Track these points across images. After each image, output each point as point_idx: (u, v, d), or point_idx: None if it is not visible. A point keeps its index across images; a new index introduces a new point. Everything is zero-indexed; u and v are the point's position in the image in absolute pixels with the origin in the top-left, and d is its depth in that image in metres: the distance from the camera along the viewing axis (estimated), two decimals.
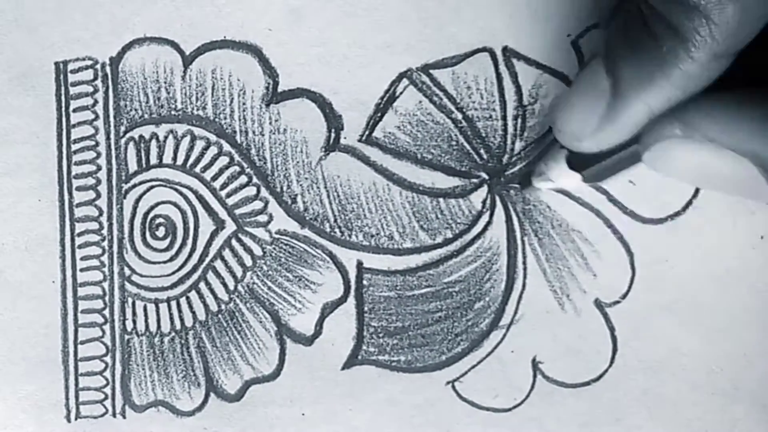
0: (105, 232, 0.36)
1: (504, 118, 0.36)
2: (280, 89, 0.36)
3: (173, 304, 0.36)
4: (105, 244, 0.36)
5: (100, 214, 0.36)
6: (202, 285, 0.36)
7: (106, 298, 0.36)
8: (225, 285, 0.36)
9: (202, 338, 0.36)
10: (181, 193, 0.36)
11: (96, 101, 0.36)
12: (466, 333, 0.36)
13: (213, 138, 0.36)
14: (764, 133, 0.27)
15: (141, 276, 0.36)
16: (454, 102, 0.36)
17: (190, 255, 0.36)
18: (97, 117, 0.36)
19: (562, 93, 0.31)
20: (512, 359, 0.36)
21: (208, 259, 0.36)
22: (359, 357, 0.36)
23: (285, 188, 0.36)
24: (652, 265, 0.35)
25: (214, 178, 0.36)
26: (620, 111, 0.29)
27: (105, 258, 0.36)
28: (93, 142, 0.36)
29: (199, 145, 0.36)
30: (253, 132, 0.36)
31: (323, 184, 0.36)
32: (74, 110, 0.36)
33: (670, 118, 0.28)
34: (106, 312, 0.36)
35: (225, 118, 0.36)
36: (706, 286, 0.35)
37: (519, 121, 0.35)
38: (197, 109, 0.36)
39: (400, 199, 0.36)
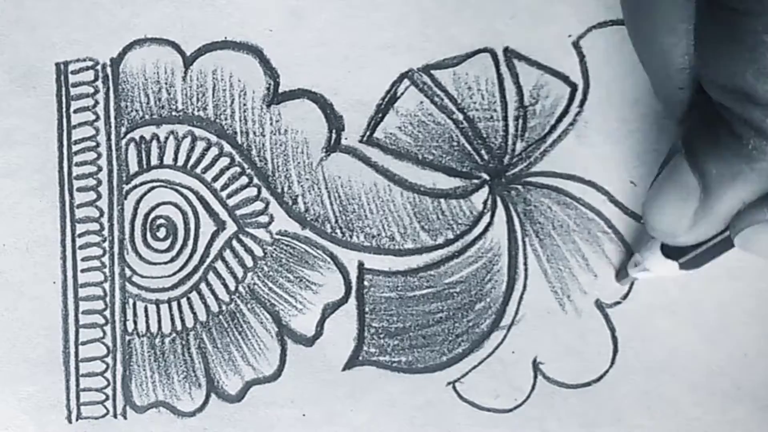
0: (106, 233, 0.36)
1: (505, 118, 0.36)
2: (280, 90, 0.36)
3: (174, 304, 0.36)
4: (106, 244, 0.36)
5: (101, 215, 0.36)
6: (202, 286, 0.36)
7: (107, 299, 0.36)
8: (226, 286, 0.36)
9: (203, 339, 0.36)
10: (181, 194, 0.36)
11: (97, 102, 0.36)
12: (467, 334, 0.36)
13: (214, 139, 0.36)
14: None
15: (142, 277, 0.36)
16: (455, 102, 0.36)
17: (190, 256, 0.36)
18: (97, 118, 0.36)
19: (649, 191, 0.32)
20: (513, 360, 0.36)
21: (209, 260, 0.36)
22: (360, 358, 0.36)
23: (286, 189, 0.36)
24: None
25: (215, 179, 0.36)
26: (713, 206, 0.29)
27: (106, 259, 0.36)
28: (94, 143, 0.36)
29: (200, 146, 0.36)
30: (254, 133, 0.36)
31: (324, 185, 0.36)
32: (75, 111, 0.36)
33: (760, 204, 0.29)
34: (107, 313, 0.36)
35: (226, 119, 0.36)
36: (706, 287, 0.35)
37: (520, 121, 0.35)
38: (198, 110, 0.36)
39: (401, 200, 0.36)
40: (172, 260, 0.36)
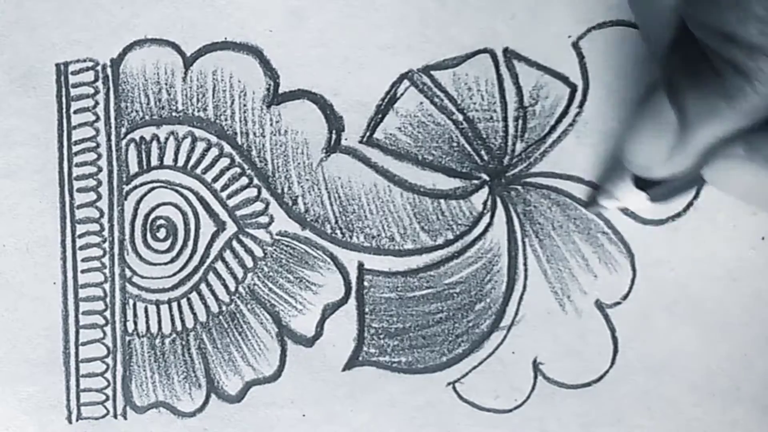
0: (106, 233, 0.36)
1: (505, 119, 0.36)
2: (280, 91, 0.36)
3: (174, 305, 0.36)
4: (106, 245, 0.36)
5: (101, 216, 0.36)
6: (203, 286, 0.36)
7: (107, 300, 0.36)
8: (226, 286, 0.36)
9: (203, 339, 0.36)
10: (182, 195, 0.36)
11: (97, 103, 0.36)
12: (466, 334, 0.36)
13: (214, 139, 0.36)
14: None
15: (142, 277, 0.36)
16: (455, 103, 0.36)
17: (191, 256, 0.36)
18: (98, 118, 0.36)
19: (628, 124, 0.32)
20: (513, 360, 0.36)
21: (209, 261, 0.36)
22: (360, 358, 0.36)
23: (286, 190, 0.36)
24: (653, 266, 0.35)
25: (215, 179, 0.36)
26: (689, 140, 0.30)
27: (106, 259, 0.36)
28: (94, 144, 0.36)
29: (200, 146, 0.36)
30: (254, 133, 0.36)
31: (324, 186, 0.36)
32: (75, 112, 0.36)
33: (732, 140, 0.29)
34: (107, 313, 0.36)
35: (226, 120, 0.36)
36: (706, 287, 0.35)
37: (520, 122, 0.35)
38: (198, 111, 0.36)
39: (401, 201, 0.36)
40: (172, 261, 0.36)
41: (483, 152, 0.36)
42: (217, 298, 0.36)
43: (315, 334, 0.36)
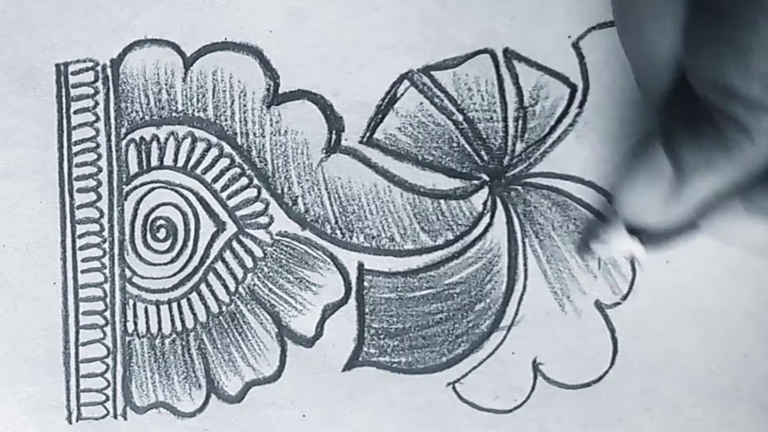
0: (106, 233, 0.36)
1: (505, 119, 0.36)
2: (280, 91, 0.36)
3: (174, 305, 0.36)
4: (106, 245, 0.36)
5: (101, 216, 0.36)
6: (203, 287, 0.36)
7: (107, 300, 0.36)
8: (226, 287, 0.36)
9: (203, 340, 0.36)
10: (182, 195, 0.36)
11: (97, 103, 0.36)
12: (466, 334, 0.36)
13: (214, 140, 0.36)
14: None
15: (142, 278, 0.36)
16: (455, 103, 0.36)
17: (191, 257, 0.36)
18: (98, 119, 0.36)
19: (624, 173, 0.32)
20: (513, 360, 0.36)
21: (209, 261, 0.36)
22: (360, 358, 0.36)
23: (286, 190, 0.36)
24: (653, 266, 0.35)
25: (215, 179, 0.36)
26: (684, 192, 0.30)
27: (106, 260, 0.36)
28: (94, 144, 0.36)
29: (200, 146, 0.36)
30: (254, 134, 0.36)
31: (324, 186, 0.36)
32: (75, 112, 0.36)
33: (730, 193, 0.29)
34: (107, 314, 0.36)
35: (226, 120, 0.36)
36: (706, 287, 0.35)
37: (520, 122, 0.35)
38: (198, 111, 0.36)
39: (401, 201, 0.36)
40: (172, 261, 0.36)
41: (483, 152, 0.36)
42: (217, 299, 0.36)
43: (315, 335, 0.36)
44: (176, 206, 0.36)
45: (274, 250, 0.36)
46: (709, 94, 0.28)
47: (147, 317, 0.36)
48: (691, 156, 0.29)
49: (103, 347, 0.36)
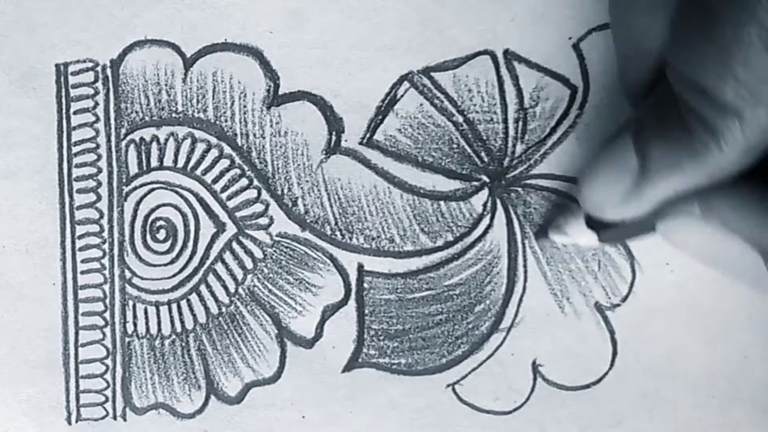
0: (105, 234, 0.36)
1: (505, 120, 0.36)
2: (281, 92, 0.36)
3: (174, 306, 0.36)
4: (105, 246, 0.36)
5: (101, 217, 0.36)
6: (202, 288, 0.36)
7: (107, 301, 0.36)
8: (226, 288, 0.36)
9: (203, 341, 0.36)
10: (181, 196, 0.36)
11: (97, 103, 0.36)
12: (466, 336, 0.36)
13: (214, 141, 0.36)
14: None
15: (142, 278, 0.36)
16: (455, 105, 0.36)
17: (190, 258, 0.36)
18: (97, 119, 0.36)
19: (588, 162, 0.32)
20: (512, 362, 0.36)
21: (208, 262, 0.36)
22: (360, 360, 0.36)
23: (286, 191, 0.36)
24: (653, 268, 0.35)
25: (215, 180, 0.36)
26: (646, 190, 0.30)
27: (106, 260, 0.36)
28: (94, 145, 0.36)
29: (200, 147, 0.36)
30: (254, 135, 0.36)
31: (324, 187, 0.36)
32: (75, 112, 0.36)
33: (689, 196, 0.29)
34: (107, 314, 0.36)
35: (226, 121, 0.36)
36: (706, 289, 0.35)
37: (520, 123, 0.35)
38: (198, 112, 0.36)
39: (401, 202, 0.36)
40: (171, 262, 0.36)
41: (483, 154, 0.36)
42: (216, 300, 0.36)
43: (315, 336, 0.36)
44: (176, 207, 0.36)
45: (274, 251, 0.36)
46: (685, 92, 0.28)
47: (147, 318, 0.36)
48: (658, 154, 0.29)
49: (102, 348, 0.36)
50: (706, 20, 0.27)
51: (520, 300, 0.36)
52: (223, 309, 0.36)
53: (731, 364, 0.35)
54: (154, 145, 0.36)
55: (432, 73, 0.36)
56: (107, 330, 0.36)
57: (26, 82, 0.36)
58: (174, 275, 0.36)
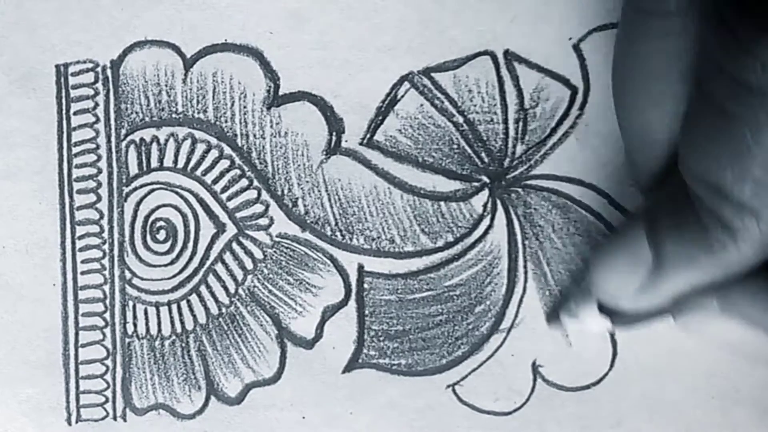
0: (106, 235, 0.36)
1: (505, 121, 0.35)
2: (281, 92, 0.36)
3: (174, 307, 0.36)
4: (106, 247, 0.36)
5: (101, 217, 0.36)
6: (202, 288, 0.36)
7: (107, 301, 0.36)
8: (226, 288, 0.36)
9: (203, 341, 0.36)
10: (181, 197, 0.36)
11: (97, 104, 0.36)
12: (466, 336, 0.36)
13: (214, 141, 0.36)
14: None
15: (142, 279, 0.36)
16: (455, 105, 0.36)
17: (190, 258, 0.36)
18: (97, 120, 0.36)
19: (600, 249, 0.32)
20: (512, 363, 0.36)
21: (208, 263, 0.36)
22: (360, 360, 0.36)
23: (286, 191, 0.36)
24: None
25: (215, 181, 0.36)
26: (661, 283, 0.29)
27: (106, 261, 0.36)
28: (94, 145, 0.36)
29: (200, 148, 0.36)
30: (254, 135, 0.36)
31: (324, 188, 0.36)
32: (75, 113, 0.36)
33: (708, 291, 0.29)
34: (107, 315, 0.36)
35: (226, 122, 0.36)
36: None
37: (520, 124, 0.35)
38: (198, 112, 0.36)
39: (401, 203, 0.36)
40: (172, 263, 0.36)
41: (483, 154, 0.36)
42: (216, 300, 0.36)
43: (315, 336, 0.36)
44: (176, 208, 0.36)
45: (274, 251, 0.36)
46: (700, 190, 0.27)
47: (147, 319, 0.36)
48: (672, 248, 0.29)
49: (102, 349, 0.36)
50: (722, 121, 0.26)
51: (521, 301, 0.36)
52: (223, 309, 0.36)
53: (731, 364, 0.35)
54: (154, 145, 0.36)
55: (432, 74, 0.35)
56: (107, 331, 0.36)
57: (26, 83, 0.36)
58: (174, 276, 0.36)
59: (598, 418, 0.36)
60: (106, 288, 0.36)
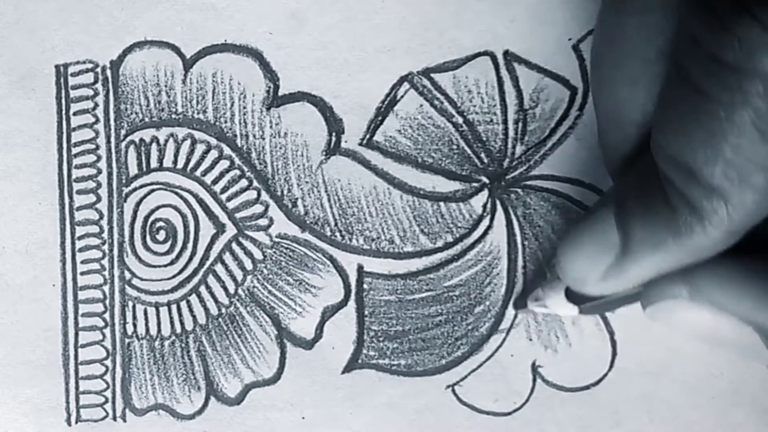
0: (105, 235, 0.36)
1: (505, 121, 0.36)
2: (280, 93, 0.36)
3: (174, 307, 0.36)
4: (105, 247, 0.36)
5: (101, 218, 0.36)
6: (202, 289, 0.36)
7: (107, 302, 0.36)
8: (225, 289, 0.36)
9: (203, 342, 0.36)
10: (181, 197, 0.36)
11: (96, 104, 0.36)
12: (466, 337, 0.36)
13: (213, 141, 0.36)
14: None
15: (141, 279, 0.36)
16: (455, 106, 0.36)
17: (190, 258, 0.36)
18: (97, 120, 0.36)
19: (568, 233, 0.31)
20: (512, 363, 0.36)
21: (208, 263, 0.36)
22: (359, 361, 0.36)
23: (285, 192, 0.36)
24: None
25: (215, 181, 0.36)
26: (628, 267, 0.29)
27: (105, 261, 0.36)
28: (93, 146, 0.36)
29: (200, 148, 0.36)
30: (254, 135, 0.36)
31: (324, 188, 0.36)
32: (75, 113, 0.36)
33: (676, 279, 0.29)
34: (107, 315, 0.36)
35: (225, 122, 0.36)
36: None
37: (520, 125, 0.35)
38: (198, 113, 0.36)
39: (401, 203, 0.36)
40: (171, 263, 0.36)
41: (483, 155, 0.36)
42: (216, 301, 0.36)
43: (314, 337, 0.36)
44: (176, 208, 0.36)
45: (274, 252, 0.36)
46: (670, 170, 0.27)
47: (146, 319, 0.36)
48: (640, 232, 0.28)
49: (102, 349, 0.36)
50: (697, 100, 0.26)
51: None
52: (223, 310, 0.36)
53: (731, 365, 0.35)
54: (154, 146, 0.36)
55: (432, 74, 0.36)
56: (107, 331, 0.36)
57: (26, 83, 0.36)
58: (174, 276, 0.36)
59: (598, 418, 0.36)
60: (106, 288, 0.36)
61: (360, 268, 0.36)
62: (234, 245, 0.36)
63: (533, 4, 0.35)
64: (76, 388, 0.36)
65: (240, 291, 0.36)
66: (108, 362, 0.36)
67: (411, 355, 0.36)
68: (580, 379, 0.36)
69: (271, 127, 0.36)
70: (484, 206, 0.36)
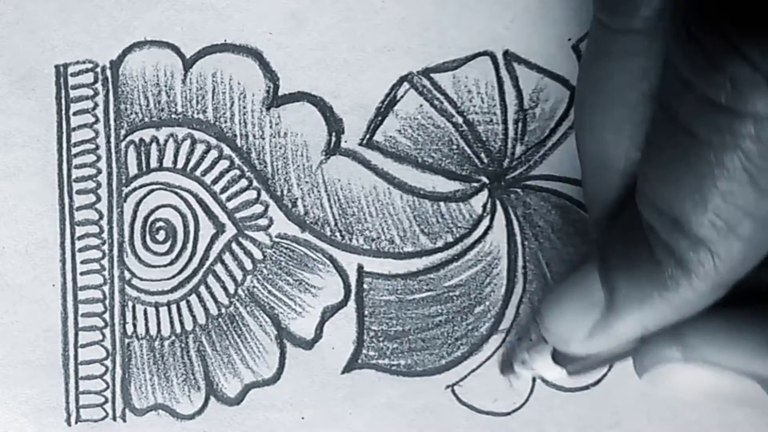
0: (105, 235, 0.36)
1: (505, 122, 0.36)
2: (280, 93, 0.36)
3: (173, 307, 0.36)
4: (105, 247, 0.36)
5: (101, 218, 0.36)
6: (202, 289, 0.36)
7: (107, 302, 0.36)
8: (225, 289, 0.36)
9: (203, 342, 0.36)
10: (181, 197, 0.36)
11: (96, 104, 0.36)
12: (466, 337, 0.36)
13: (213, 141, 0.36)
14: (764, 355, 0.27)
15: (141, 279, 0.36)
16: (454, 106, 0.36)
17: (190, 258, 0.36)
18: (97, 120, 0.36)
19: (551, 291, 0.31)
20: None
21: (208, 263, 0.36)
22: (359, 361, 0.36)
23: (285, 192, 0.36)
24: None
25: (215, 181, 0.36)
26: (613, 324, 0.28)
27: (105, 261, 0.36)
28: (93, 146, 0.36)
29: (200, 148, 0.36)
30: (254, 135, 0.36)
31: (324, 188, 0.36)
32: (74, 113, 0.36)
33: (667, 340, 0.28)
34: (107, 315, 0.36)
35: (225, 122, 0.36)
36: None
37: (520, 125, 0.35)
38: (198, 113, 0.36)
39: (401, 203, 0.36)
40: (171, 263, 0.36)
41: (483, 155, 0.36)
42: (216, 301, 0.36)
43: (314, 337, 0.36)
44: (176, 208, 0.36)
45: (274, 252, 0.36)
46: (656, 221, 0.26)
47: (146, 319, 0.36)
48: (625, 287, 0.27)
49: (102, 349, 0.36)
50: (686, 143, 0.25)
51: (520, 301, 0.36)
52: (223, 310, 0.36)
53: None
54: (154, 146, 0.36)
55: (432, 74, 0.36)
56: (107, 331, 0.36)
57: (26, 83, 0.36)
58: (173, 276, 0.36)
59: (597, 418, 0.36)
60: (106, 288, 0.36)
61: (360, 268, 0.36)
62: (234, 245, 0.36)
63: (533, 4, 0.35)
64: (76, 388, 0.36)
65: (240, 291, 0.36)
66: (108, 362, 0.36)
67: (411, 355, 0.36)
68: (580, 379, 0.36)
69: (271, 127, 0.36)
70: (484, 206, 0.36)
